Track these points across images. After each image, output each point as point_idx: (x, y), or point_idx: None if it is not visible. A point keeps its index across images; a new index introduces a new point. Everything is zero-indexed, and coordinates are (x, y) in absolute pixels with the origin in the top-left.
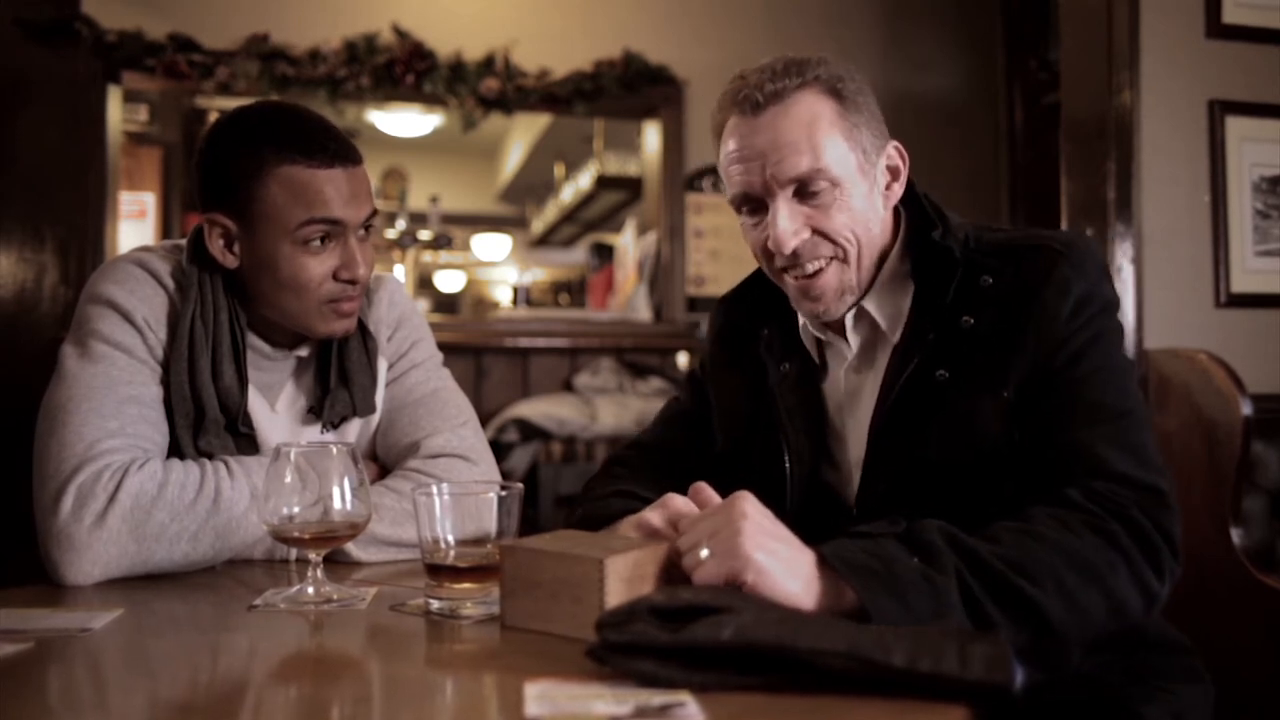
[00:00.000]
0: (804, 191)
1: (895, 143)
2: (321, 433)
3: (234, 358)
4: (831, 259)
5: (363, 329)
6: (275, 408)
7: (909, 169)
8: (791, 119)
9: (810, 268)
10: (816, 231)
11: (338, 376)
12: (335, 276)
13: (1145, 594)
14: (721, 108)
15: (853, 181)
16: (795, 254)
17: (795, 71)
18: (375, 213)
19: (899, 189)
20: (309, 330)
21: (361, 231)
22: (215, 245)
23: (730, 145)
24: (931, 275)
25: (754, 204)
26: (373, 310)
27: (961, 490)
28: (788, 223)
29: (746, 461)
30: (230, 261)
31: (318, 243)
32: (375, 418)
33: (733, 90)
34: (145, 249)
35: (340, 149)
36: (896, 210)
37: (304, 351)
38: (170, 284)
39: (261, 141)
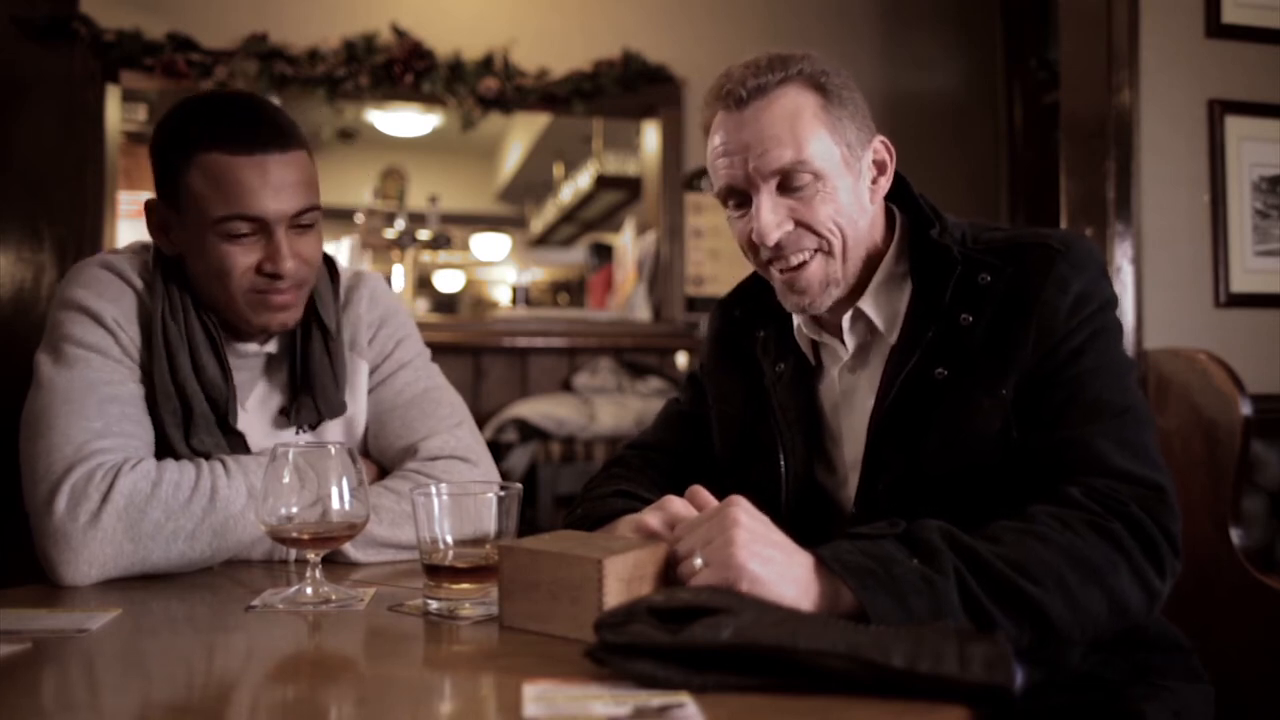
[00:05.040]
0: (787, 185)
1: (882, 138)
2: (296, 434)
3: (212, 349)
4: (816, 251)
5: (323, 328)
6: (245, 406)
7: (896, 164)
8: (774, 113)
9: (794, 260)
10: (800, 224)
11: (301, 380)
12: (259, 269)
13: (1147, 592)
14: (708, 103)
15: (837, 174)
16: (779, 246)
17: (779, 66)
18: (315, 208)
19: (885, 183)
20: (244, 322)
21: (297, 226)
22: (155, 230)
23: (716, 140)
24: (929, 274)
25: (739, 197)
26: (351, 309)
27: (960, 489)
28: (770, 215)
29: (744, 463)
30: (168, 247)
31: (240, 234)
32: (361, 419)
33: (718, 86)
34: (112, 251)
35: (265, 136)
36: (891, 211)
37: (272, 347)
38: (138, 283)
39: (186, 128)
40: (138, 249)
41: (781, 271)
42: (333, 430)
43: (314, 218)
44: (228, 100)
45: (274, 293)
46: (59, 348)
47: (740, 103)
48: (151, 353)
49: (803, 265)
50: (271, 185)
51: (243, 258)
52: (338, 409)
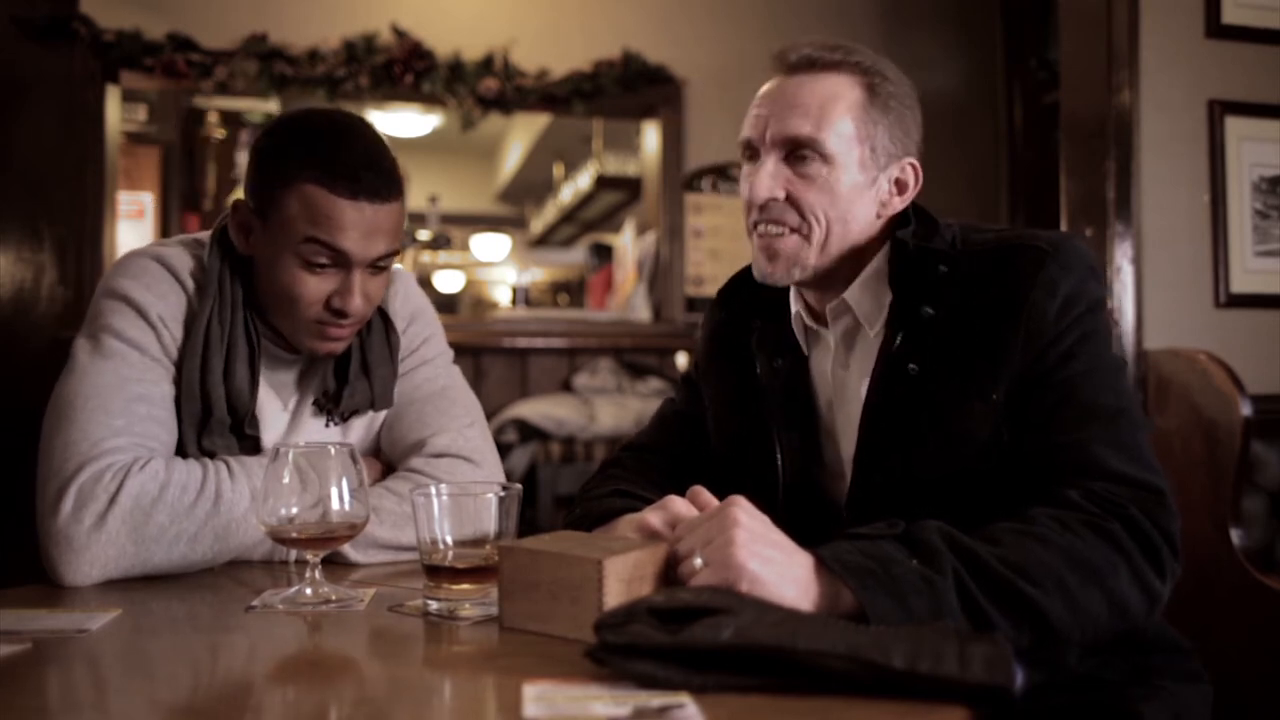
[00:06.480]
0: (794, 157)
1: (914, 161)
2: (327, 426)
3: (249, 359)
4: (794, 231)
5: (385, 320)
6: (287, 406)
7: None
8: (813, 88)
9: (773, 229)
10: (791, 197)
11: (359, 367)
12: (328, 303)
13: (1147, 594)
14: (769, 65)
15: (846, 169)
16: (765, 209)
17: (839, 50)
18: (396, 252)
19: (899, 204)
20: (297, 343)
21: (373, 267)
22: (235, 228)
23: (759, 94)
24: (914, 274)
25: (753, 153)
26: (388, 304)
27: (954, 492)
28: (768, 178)
29: (739, 459)
30: (244, 248)
31: (319, 263)
32: (381, 413)
33: (781, 49)
34: (164, 243)
35: (371, 184)
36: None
37: None
38: (189, 282)
39: (296, 154)
40: (189, 243)
41: (760, 235)
42: (360, 424)
43: (390, 261)
44: (345, 134)
45: (335, 327)
46: (99, 338)
47: (790, 68)
48: (187, 351)
49: (779, 236)
50: (365, 230)
51: (316, 287)
52: (390, 399)
